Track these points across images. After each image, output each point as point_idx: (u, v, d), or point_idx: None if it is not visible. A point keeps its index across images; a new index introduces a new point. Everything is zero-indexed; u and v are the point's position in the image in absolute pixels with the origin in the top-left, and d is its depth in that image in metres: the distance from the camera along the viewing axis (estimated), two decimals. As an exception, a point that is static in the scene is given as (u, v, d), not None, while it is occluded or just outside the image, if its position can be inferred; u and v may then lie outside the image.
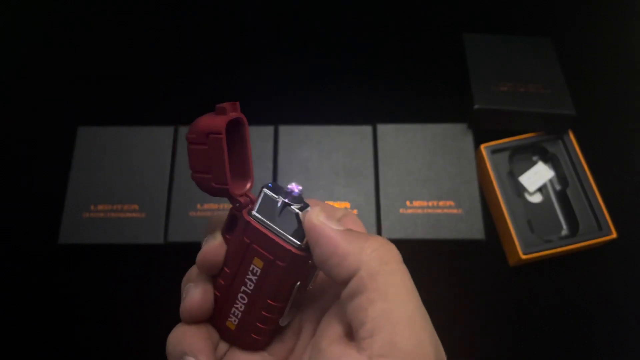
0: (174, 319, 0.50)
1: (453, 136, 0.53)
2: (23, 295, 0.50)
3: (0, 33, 0.64)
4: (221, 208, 0.49)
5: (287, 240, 0.24)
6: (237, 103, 0.25)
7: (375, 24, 0.63)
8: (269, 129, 0.53)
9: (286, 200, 0.24)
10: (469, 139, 0.52)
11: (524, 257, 0.48)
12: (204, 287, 0.26)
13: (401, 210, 0.50)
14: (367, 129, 0.53)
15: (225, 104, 0.24)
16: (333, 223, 0.23)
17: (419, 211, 0.50)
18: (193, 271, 0.27)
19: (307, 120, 0.54)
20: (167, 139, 0.52)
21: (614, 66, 0.61)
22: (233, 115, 0.24)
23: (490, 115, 0.51)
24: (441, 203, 0.50)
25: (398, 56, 0.61)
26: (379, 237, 0.23)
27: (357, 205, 0.50)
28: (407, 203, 0.50)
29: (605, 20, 0.64)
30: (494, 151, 0.52)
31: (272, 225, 0.24)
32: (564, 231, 0.51)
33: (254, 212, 0.25)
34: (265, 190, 0.25)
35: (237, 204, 0.25)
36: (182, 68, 0.61)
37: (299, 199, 0.25)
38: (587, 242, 0.48)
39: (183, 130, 0.53)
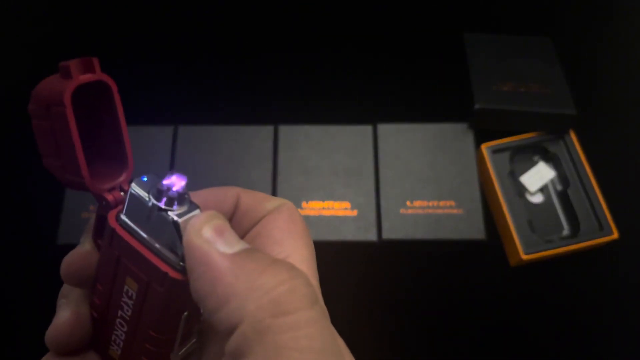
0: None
1: (454, 136, 0.52)
2: (22, 295, 0.50)
3: (0, 33, 0.64)
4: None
5: (164, 258, 0.17)
6: (95, 60, 0.18)
7: (375, 24, 0.63)
8: (269, 129, 0.53)
9: (159, 204, 0.17)
10: (469, 139, 0.52)
11: (524, 257, 0.47)
12: (75, 306, 0.20)
13: (401, 211, 0.50)
14: (367, 129, 0.53)
15: (72, 62, 0.17)
16: (224, 241, 0.16)
17: (420, 211, 0.50)
18: (65, 286, 0.21)
19: (307, 120, 0.54)
20: (167, 138, 0.52)
21: (615, 66, 0.61)
22: (84, 79, 0.17)
23: (491, 115, 0.51)
24: (442, 203, 0.50)
25: (398, 56, 0.61)
26: (283, 266, 0.17)
27: (357, 205, 0.50)
28: (408, 203, 0.50)
29: (607, 20, 0.64)
30: (495, 151, 0.52)
31: (144, 235, 0.18)
32: (565, 231, 0.51)
33: (122, 216, 0.18)
34: (133, 186, 0.18)
35: (104, 202, 0.18)
36: (181, 68, 0.61)
37: (181, 198, 0.17)
38: (589, 242, 0.48)
39: (183, 130, 0.53)
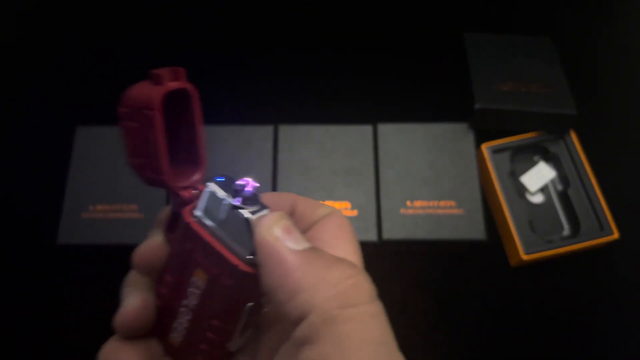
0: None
1: (454, 136, 0.52)
2: (22, 295, 0.50)
3: (0, 33, 0.64)
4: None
5: (235, 252, 0.19)
6: (182, 70, 0.19)
7: (375, 24, 0.63)
8: (269, 129, 0.53)
9: (234, 202, 0.19)
10: (470, 139, 0.52)
11: (525, 257, 0.47)
12: (143, 294, 0.22)
13: (402, 211, 0.50)
14: (367, 129, 0.53)
15: (163, 70, 0.19)
16: (293, 239, 0.18)
17: (420, 211, 0.50)
18: (133, 274, 0.23)
19: (307, 120, 0.54)
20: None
21: (616, 66, 0.61)
22: (173, 85, 0.19)
23: (492, 115, 0.51)
24: (442, 203, 0.50)
25: (399, 56, 0.61)
26: (346, 264, 0.18)
27: (357, 205, 0.50)
28: (408, 203, 0.50)
29: (607, 20, 0.64)
30: (495, 151, 0.52)
31: (217, 231, 0.19)
32: (566, 231, 0.50)
33: (196, 213, 0.19)
34: (210, 186, 0.19)
35: (178, 200, 0.20)
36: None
37: (252, 199, 0.19)
38: (589, 242, 0.48)
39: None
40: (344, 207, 0.50)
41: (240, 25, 0.63)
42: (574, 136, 0.52)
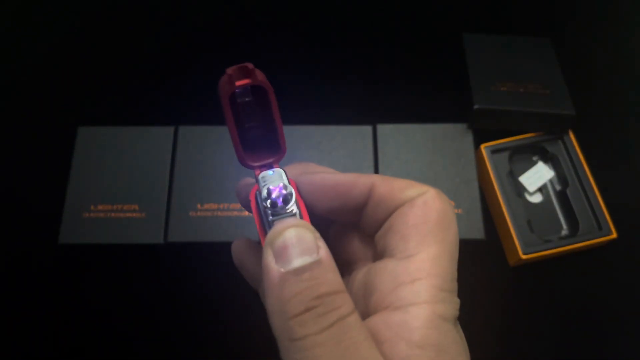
0: (173, 319, 0.50)
1: (453, 136, 0.53)
2: (23, 295, 0.50)
3: (0, 33, 0.64)
4: (221, 207, 0.49)
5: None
6: (249, 66, 0.20)
7: (375, 24, 0.63)
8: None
9: (265, 203, 0.20)
10: (468, 139, 0.52)
11: (523, 257, 0.48)
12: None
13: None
14: (367, 129, 0.53)
15: (233, 69, 0.20)
16: (283, 258, 0.18)
17: (419, 211, 0.50)
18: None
19: (307, 120, 0.54)
20: (167, 139, 0.52)
21: (614, 66, 0.61)
22: (240, 84, 0.20)
23: (490, 116, 0.51)
24: (441, 203, 0.50)
25: (398, 56, 0.61)
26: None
27: (357, 205, 0.50)
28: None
29: (605, 20, 0.64)
30: (494, 151, 0.52)
31: (261, 215, 0.21)
32: (564, 231, 0.51)
33: (257, 193, 0.21)
34: (260, 176, 0.21)
35: (255, 178, 0.22)
36: (182, 68, 0.61)
37: (286, 199, 0.20)
38: (587, 242, 0.48)
39: (184, 130, 0.53)
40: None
41: (241, 25, 0.63)
42: (572, 136, 0.52)
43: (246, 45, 0.62)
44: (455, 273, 0.20)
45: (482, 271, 0.51)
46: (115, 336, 0.49)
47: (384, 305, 0.19)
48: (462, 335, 0.19)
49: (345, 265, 0.23)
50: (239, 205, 0.49)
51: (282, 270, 0.17)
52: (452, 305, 0.19)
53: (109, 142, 0.52)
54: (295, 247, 0.18)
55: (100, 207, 0.50)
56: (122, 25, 0.64)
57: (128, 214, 0.50)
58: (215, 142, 0.52)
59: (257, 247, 0.24)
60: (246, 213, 0.49)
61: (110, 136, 0.53)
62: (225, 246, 0.48)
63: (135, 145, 0.52)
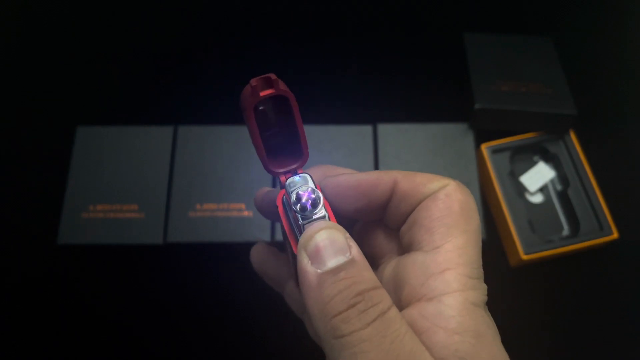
0: (174, 319, 0.50)
1: (454, 136, 0.52)
2: (22, 295, 0.50)
3: (0, 33, 0.64)
4: (221, 207, 0.49)
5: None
6: (272, 78, 0.21)
7: (375, 24, 0.63)
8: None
9: (294, 207, 0.21)
10: (469, 139, 0.52)
11: (524, 257, 0.47)
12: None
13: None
14: (367, 129, 0.53)
15: (257, 80, 0.21)
16: (318, 260, 0.18)
17: (420, 211, 0.50)
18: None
19: (307, 120, 0.53)
20: (167, 139, 0.52)
21: (615, 66, 0.61)
22: (264, 94, 0.21)
23: (491, 115, 0.51)
24: (442, 203, 0.50)
25: (398, 56, 0.61)
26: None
27: (357, 206, 0.50)
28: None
29: (606, 20, 0.64)
30: (495, 151, 0.52)
31: (289, 219, 0.22)
32: (565, 231, 0.51)
33: (284, 198, 0.22)
34: (287, 183, 0.22)
35: (280, 184, 0.23)
36: (181, 68, 0.61)
37: (314, 203, 0.21)
38: (589, 242, 0.48)
39: (183, 130, 0.53)
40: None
41: (240, 24, 0.63)
42: (573, 136, 0.52)
43: (246, 45, 0.62)
44: (481, 260, 0.20)
45: (483, 271, 0.50)
46: (114, 336, 0.48)
47: (417, 297, 0.19)
48: (492, 319, 0.20)
49: (370, 260, 0.23)
50: (238, 205, 0.49)
51: (319, 271, 0.18)
52: (481, 292, 0.20)
53: (108, 142, 0.52)
54: (329, 249, 0.18)
55: (99, 207, 0.50)
56: (122, 25, 0.64)
57: (127, 214, 0.50)
58: (214, 142, 0.52)
59: (276, 251, 0.25)
60: (245, 213, 0.48)
61: (110, 136, 0.53)
62: (225, 246, 0.48)
63: (134, 145, 0.52)
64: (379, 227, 0.24)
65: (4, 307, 0.50)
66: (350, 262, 0.18)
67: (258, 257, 0.26)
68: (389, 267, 0.22)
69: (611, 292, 0.50)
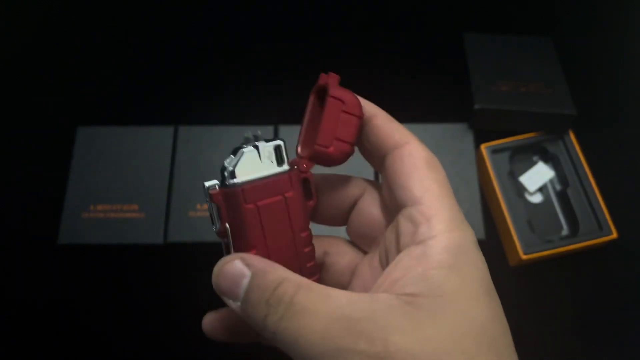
0: (174, 319, 0.50)
1: (453, 136, 0.52)
2: (22, 295, 0.50)
3: (1, 33, 0.64)
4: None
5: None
6: (334, 78, 0.25)
7: (375, 24, 0.63)
8: (269, 129, 0.53)
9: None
10: (469, 139, 0.52)
11: (524, 257, 0.47)
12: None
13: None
14: (367, 129, 0.53)
15: (329, 79, 0.25)
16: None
17: (419, 211, 0.50)
18: None
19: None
20: (167, 139, 0.52)
21: (615, 66, 0.61)
22: (319, 84, 0.25)
23: (491, 115, 0.51)
24: (441, 203, 0.50)
25: (398, 56, 0.61)
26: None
27: (357, 206, 0.50)
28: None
29: (607, 20, 0.64)
30: (495, 151, 0.52)
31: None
32: (565, 231, 0.51)
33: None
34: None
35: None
36: (182, 68, 0.61)
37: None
38: (588, 242, 0.48)
39: (183, 130, 0.53)
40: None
41: (240, 25, 0.63)
42: (572, 136, 0.52)
43: (246, 45, 0.62)
44: (457, 205, 0.22)
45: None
46: (114, 337, 0.49)
47: (408, 244, 0.21)
48: (482, 258, 0.22)
49: (371, 240, 0.26)
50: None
51: (239, 304, 0.20)
52: (465, 232, 0.21)
53: (109, 142, 0.52)
54: (231, 284, 0.20)
55: (99, 207, 0.50)
56: (122, 25, 0.64)
57: (127, 214, 0.50)
58: (215, 142, 0.52)
59: (225, 315, 0.26)
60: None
61: (110, 136, 0.53)
62: (225, 246, 0.48)
63: (134, 145, 0.52)
64: (374, 206, 0.26)
65: (4, 307, 0.50)
66: (253, 279, 0.20)
67: (212, 329, 0.27)
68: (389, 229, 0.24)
69: (610, 291, 0.50)
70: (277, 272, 0.20)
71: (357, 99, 0.24)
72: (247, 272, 0.20)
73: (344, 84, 0.25)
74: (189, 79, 0.60)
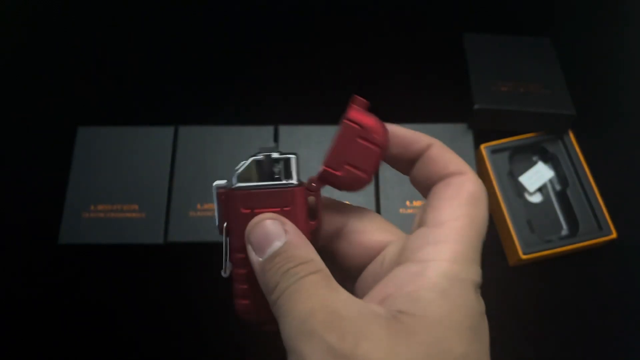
0: (173, 319, 0.50)
1: (453, 136, 0.53)
2: (23, 295, 0.50)
3: (1, 33, 0.64)
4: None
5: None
6: (354, 99, 0.24)
7: (375, 24, 0.63)
8: (269, 129, 0.53)
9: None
10: (469, 139, 0.52)
11: (524, 257, 0.48)
12: None
13: (401, 210, 0.50)
14: (367, 129, 0.53)
15: (352, 101, 0.24)
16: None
17: (419, 211, 0.50)
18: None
19: (307, 120, 0.54)
20: (167, 139, 0.52)
21: (614, 66, 0.61)
22: (349, 111, 0.24)
23: (491, 115, 0.51)
24: (441, 203, 0.50)
25: (398, 56, 0.61)
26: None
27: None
28: (407, 203, 0.50)
29: (604, 21, 0.64)
30: (494, 151, 0.52)
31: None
32: (564, 231, 0.51)
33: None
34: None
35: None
36: (182, 68, 0.61)
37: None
38: (587, 242, 0.48)
39: (183, 130, 0.53)
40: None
41: (241, 25, 0.63)
42: (572, 136, 0.52)
43: (246, 46, 0.62)
44: (480, 247, 0.21)
45: (482, 271, 0.50)
46: (115, 336, 0.49)
47: (410, 259, 0.21)
48: (480, 300, 0.20)
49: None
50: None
51: (260, 259, 0.21)
52: (471, 270, 0.20)
53: (109, 142, 0.52)
54: (265, 238, 0.21)
55: (100, 207, 0.50)
56: (122, 25, 0.64)
57: (128, 214, 0.50)
58: (215, 142, 0.52)
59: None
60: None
61: (110, 136, 0.53)
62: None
63: (135, 145, 0.52)
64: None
65: (5, 306, 0.50)
66: (285, 246, 0.21)
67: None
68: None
69: (610, 291, 0.50)
70: (308, 251, 0.21)
71: (382, 128, 0.24)
72: (283, 237, 0.21)
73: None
74: (189, 79, 0.60)
